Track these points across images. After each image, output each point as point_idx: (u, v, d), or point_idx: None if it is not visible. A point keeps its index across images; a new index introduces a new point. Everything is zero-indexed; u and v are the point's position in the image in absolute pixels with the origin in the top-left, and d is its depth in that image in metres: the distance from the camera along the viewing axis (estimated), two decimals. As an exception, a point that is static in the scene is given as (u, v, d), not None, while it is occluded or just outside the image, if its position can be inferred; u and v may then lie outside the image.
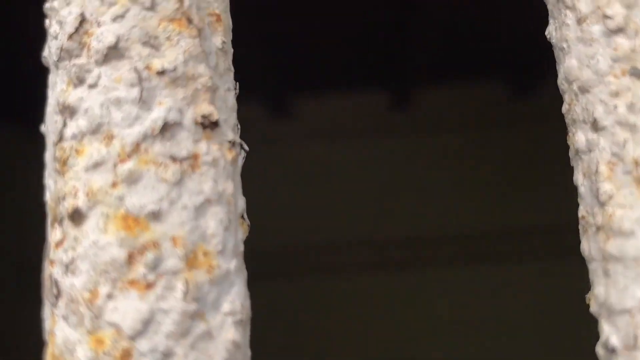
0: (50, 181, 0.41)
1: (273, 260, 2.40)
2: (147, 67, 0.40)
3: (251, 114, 2.47)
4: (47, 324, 0.41)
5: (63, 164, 0.39)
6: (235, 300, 0.40)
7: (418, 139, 2.46)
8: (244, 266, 0.42)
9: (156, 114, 0.39)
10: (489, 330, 2.35)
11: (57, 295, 0.39)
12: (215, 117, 0.41)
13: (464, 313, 2.37)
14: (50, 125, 0.41)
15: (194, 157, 0.40)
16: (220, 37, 0.43)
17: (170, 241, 0.38)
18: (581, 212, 0.46)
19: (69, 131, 0.39)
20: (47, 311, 0.41)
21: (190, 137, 0.40)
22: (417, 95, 2.44)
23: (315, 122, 2.48)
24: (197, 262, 0.39)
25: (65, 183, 0.39)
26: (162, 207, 0.38)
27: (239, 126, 0.45)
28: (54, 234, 0.40)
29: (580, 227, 0.46)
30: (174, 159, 0.39)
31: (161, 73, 0.40)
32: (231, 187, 0.41)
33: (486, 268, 2.39)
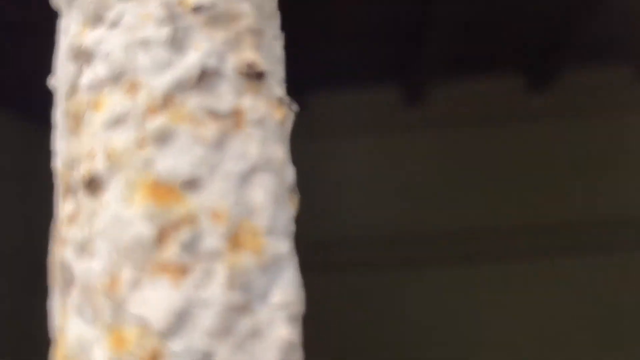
0: (62, 143, 0.33)
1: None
2: (180, 3, 0.32)
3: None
4: (57, 318, 0.33)
5: (77, 120, 0.31)
6: (288, 289, 0.32)
7: (432, 133, 2.38)
8: (295, 249, 0.34)
9: (192, 60, 0.31)
10: (503, 329, 2.28)
11: (69, 283, 0.32)
12: (261, 66, 0.33)
13: (481, 310, 2.29)
14: (61, 76, 0.33)
15: (237, 114, 0.32)
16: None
17: (210, 216, 0.31)
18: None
19: (85, 80, 0.31)
20: (56, 303, 0.33)
21: (232, 90, 0.32)
22: (431, 90, 2.37)
23: (328, 117, 2.41)
24: (243, 243, 0.31)
25: (79, 143, 0.31)
26: (200, 173, 0.31)
27: (285, 83, 0.37)
28: (65, 207, 0.32)
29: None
30: (213, 114, 0.31)
31: (197, 10, 0.32)
32: (281, 151, 0.33)
33: (504, 265, 2.32)
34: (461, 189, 2.36)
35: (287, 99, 0.36)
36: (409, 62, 2.20)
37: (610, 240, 2.30)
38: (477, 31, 2.10)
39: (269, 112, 0.33)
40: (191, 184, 0.31)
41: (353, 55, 2.22)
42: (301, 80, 2.29)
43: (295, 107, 0.37)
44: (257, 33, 0.33)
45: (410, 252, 2.35)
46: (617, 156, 2.31)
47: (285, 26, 1.97)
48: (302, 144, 2.40)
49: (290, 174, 0.35)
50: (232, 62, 0.32)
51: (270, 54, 0.35)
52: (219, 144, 0.31)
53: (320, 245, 2.36)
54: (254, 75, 0.33)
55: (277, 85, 0.35)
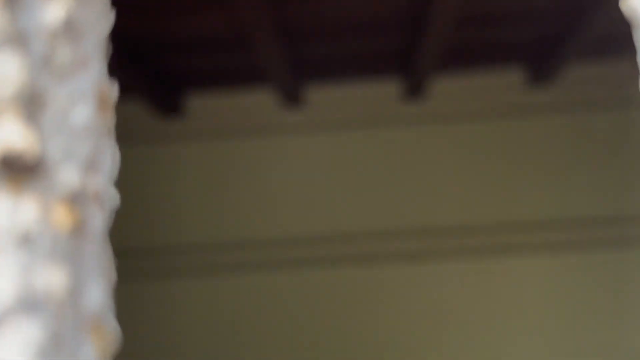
0: None
1: (282, 249, 2.24)
2: None
3: (263, 103, 2.30)
4: None
5: None
6: None
7: (432, 128, 2.27)
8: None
9: None
10: (498, 326, 2.18)
11: None
12: (34, 153, 0.22)
13: (478, 305, 2.19)
14: None
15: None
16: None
17: None
18: None
19: None
20: None
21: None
22: (431, 84, 2.25)
23: (327, 110, 2.30)
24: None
25: None
26: None
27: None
28: None
29: None
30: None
31: None
32: (60, 284, 0.22)
33: (498, 260, 2.21)
34: (462, 184, 2.25)
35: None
36: (409, 55, 2.08)
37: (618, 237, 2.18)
38: (478, 24, 1.98)
39: (43, 222, 0.22)
40: None
41: (352, 48, 2.11)
42: (299, 73, 2.18)
43: (115, 201, 0.26)
44: (30, 101, 0.22)
45: (412, 245, 2.25)
46: (618, 152, 2.18)
47: (284, 21, 1.86)
48: (299, 137, 2.30)
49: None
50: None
51: (64, 126, 0.24)
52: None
53: (319, 238, 2.26)
54: (20, 168, 0.22)
55: (70, 173, 0.24)
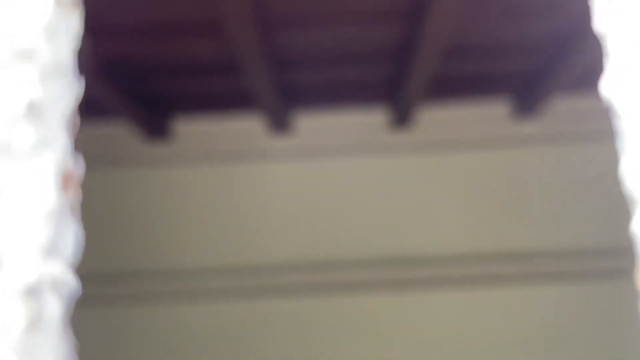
0: None
1: (270, 274, 2.21)
2: None
3: (251, 128, 2.28)
4: None
5: None
6: None
7: (418, 157, 2.25)
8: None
9: None
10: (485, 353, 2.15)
11: None
12: None
13: (463, 334, 2.17)
14: None
15: None
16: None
17: None
18: None
19: None
20: None
21: None
22: (418, 113, 2.23)
23: (314, 137, 2.28)
24: None
25: None
26: None
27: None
28: None
29: None
30: None
31: None
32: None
33: (483, 290, 2.18)
34: (447, 213, 2.23)
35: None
36: (397, 84, 2.07)
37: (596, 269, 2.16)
38: (465, 55, 1.97)
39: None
40: None
41: (340, 76, 2.09)
42: (288, 100, 2.17)
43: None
44: None
45: (396, 274, 2.22)
46: (600, 185, 2.17)
47: (273, 47, 1.85)
48: (287, 164, 2.27)
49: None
50: None
51: (22, 212, 0.21)
52: None
53: (305, 265, 2.23)
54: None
55: (26, 263, 0.21)
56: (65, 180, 0.24)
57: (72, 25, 0.27)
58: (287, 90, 2.14)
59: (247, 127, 2.29)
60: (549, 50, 1.94)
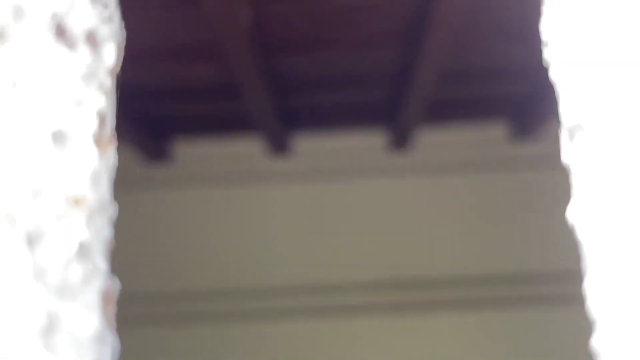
0: None
1: (268, 297, 2.20)
2: None
3: (250, 151, 2.28)
4: None
5: None
6: None
7: (417, 179, 2.25)
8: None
9: None
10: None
11: None
12: None
13: (463, 358, 2.15)
14: None
15: None
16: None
17: None
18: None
19: None
20: None
21: None
22: (416, 136, 2.24)
23: (314, 160, 2.28)
24: None
25: None
26: None
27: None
28: None
29: None
30: None
31: None
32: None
33: (480, 313, 2.17)
34: (445, 236, 2.22)
35: None
36: (395, 106, 2.08)
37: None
38: (463, 78, 1.98)
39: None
40: None
41: (339, 99, 2.10)
42: (287, 122, 2.17)
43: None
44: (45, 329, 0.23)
45: (395, 296, 2.21)
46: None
47: (272, 71, 1.86)
48: (286, 185, 2.27)
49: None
50: None
51: (73, 342, 0.23)
52: None
53: (303, 288, 2.22)
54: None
55: None
56: (105, 300, 0.27)
57: (110, 162, 0.30)
58: (286, 113, 2.15)
59: (247, 149, 2.29)
60: (546, 73, 1.94)
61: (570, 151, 0.35)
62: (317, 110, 2.19)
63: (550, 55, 0.34)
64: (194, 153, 2.29)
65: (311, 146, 2.30)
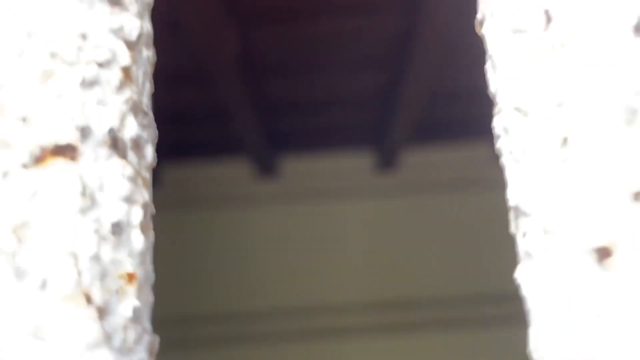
0: None
1: (255, 320, 2.18)
2: None
3: (238, 173, 2.28)
4: None
5: None
6: None
7: (404, 199, 2.26)
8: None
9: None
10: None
11: None
12: None
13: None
14: None
15: None
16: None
17: None
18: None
19: None
20: None
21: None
22: (403, 157, 2.25)
23: (301, 181, 2.28)
24: None
25: None
26: None
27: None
28: None
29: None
30: None
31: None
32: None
33: (469, 332, 2.17)
34: (434, 256, 2.23)
35: None
36: (381, 128, 2.09)
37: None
38: (448, 100, 2.00)
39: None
40: None
41: (326, 121, 2.11)
42: (274, 144, 2.18)
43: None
44: None
45: (383, 318, 2.20)
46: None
47: (259, 94, 1.86)
48: (273, 208, 2.27)
49: None
50: None
51: None
52: None
53: (295, 310, 2.21)
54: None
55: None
56: (150, 353, 0.32)
57: (150, 242, 0.34)
58: (273, 135, 2.15)
59: (235, 172, 2.29)
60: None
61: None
62: (304, 132, 2.20)
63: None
64: (182, 177, 2.29)
65: (299, 168, 2.30)
